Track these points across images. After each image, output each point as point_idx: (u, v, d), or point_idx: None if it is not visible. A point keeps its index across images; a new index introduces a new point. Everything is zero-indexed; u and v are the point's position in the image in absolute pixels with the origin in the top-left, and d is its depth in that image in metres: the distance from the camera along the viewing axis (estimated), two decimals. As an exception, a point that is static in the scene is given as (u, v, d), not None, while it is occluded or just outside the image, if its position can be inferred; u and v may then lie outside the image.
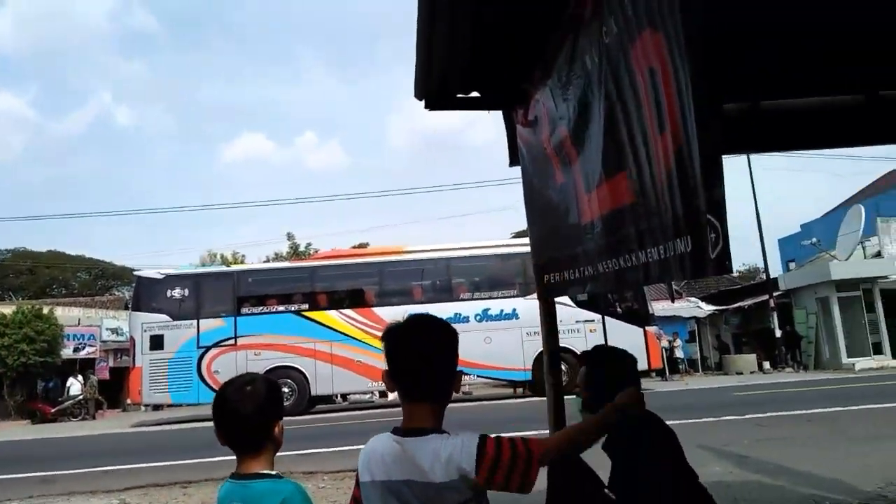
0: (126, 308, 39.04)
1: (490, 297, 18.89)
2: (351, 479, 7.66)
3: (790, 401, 13.34)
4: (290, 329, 18.52)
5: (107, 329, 29.95)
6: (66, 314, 29.69)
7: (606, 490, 2.67)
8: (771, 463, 6.82)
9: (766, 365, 26.64)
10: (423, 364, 1.76)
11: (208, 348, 18.28)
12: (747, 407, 12.22)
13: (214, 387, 17.69)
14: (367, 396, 22.54)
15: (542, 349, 15.13)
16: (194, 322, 18.37)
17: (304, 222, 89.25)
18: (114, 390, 28.07)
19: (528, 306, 16.95)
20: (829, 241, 26.59)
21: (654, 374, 21.83)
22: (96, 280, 55.57)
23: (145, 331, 18.30)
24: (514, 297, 18.61)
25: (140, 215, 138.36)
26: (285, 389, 18.14)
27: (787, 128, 4.07)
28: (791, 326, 26.87)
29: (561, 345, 15.45)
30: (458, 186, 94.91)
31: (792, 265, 32.77)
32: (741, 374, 25.67)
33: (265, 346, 18.39)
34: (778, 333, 26.44)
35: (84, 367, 27.76)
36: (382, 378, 1.83)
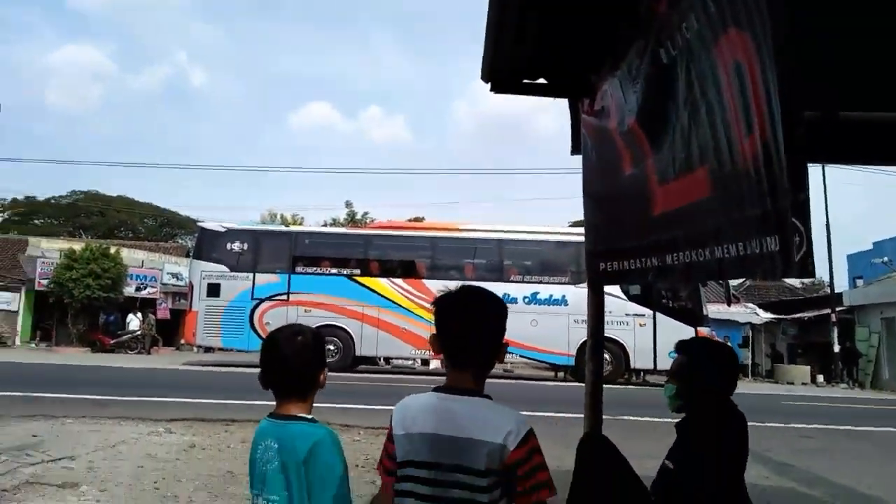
0: (187, 256, 40.43)
1: (540, 282, 19.03)
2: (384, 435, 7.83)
3: (839, 415, 13.00)
4: (340, 291, 19.24)
5: (168, 273, 31.12)
6: (131, 256, 30.96)
7: (666, 461, 2.72)
8: (811, 473, 6.72)
9: (820, 378, 25.90)
10: (471, 331, 1.80)
11: (261, 300, 19.16)
12: (793, 417, 11.96)
13: (264, 336, 18.73)
14: (410, 363, 22.98)
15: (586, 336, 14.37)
16: (250, 275, 19.26)
17: (363, 192, 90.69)
18: (170, 330, 29.26)
19: (578, 294, 16.95)
20: (902, 261, 25.49)
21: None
22: (161, 227, 57.73)
23: (204, 278, 19.31)
24: (564, 283, 18.69)
25: (207, 171, 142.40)
26: (331, 347, 18.88)
27: (865, 140, 3.96)
28: (851, 343, 25.99)
29: (607, 335, 15.23)
30: (517, 171, 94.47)
31: (859, 282, 31.58)
32: (792, 384, 25.03)
33: (315, 305, 19.14)
34: (836, 348, 25.62)
35: (144, 305, 29.10)
36: (430, 342, 1.87)
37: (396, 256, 20.17)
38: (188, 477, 5.45)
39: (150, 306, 29.49)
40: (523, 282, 18.94)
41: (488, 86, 3.72)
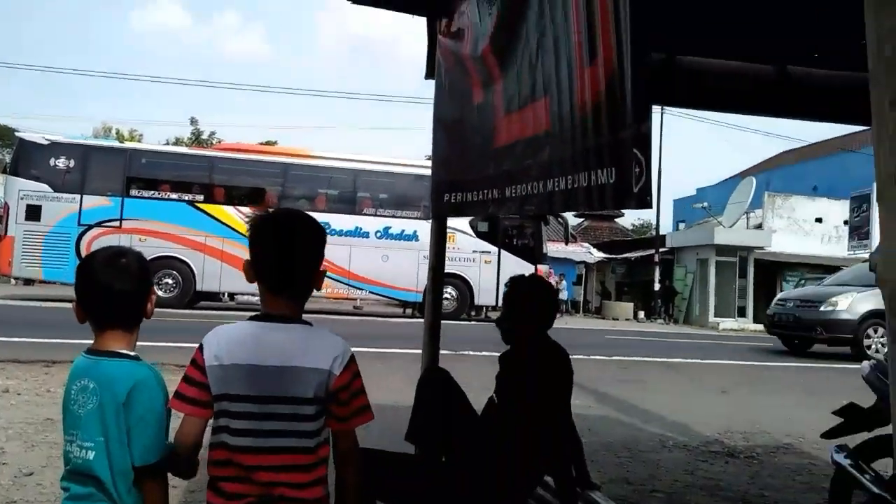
0: (4, 171, 36.18)
1: (393, 216, 18.64)
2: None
3: (656, 348, 14.31)
4: (180, 219, 17.63)
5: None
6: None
7: (493, 395, 2.76)
8: (627, 402, 7.32)
9: (642, 315, 28.36)
10: (289, 256, 1.73)
11: (90, 227, 17.13)
12: (616, 349, 12.99)
13: None
14: (257, 298, 22.13)
15: None
16: (77, 197, 17.10)
17: (212, 109, 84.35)
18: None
19: (429, 230, 16.97)
20: (719, 208, 28.17)
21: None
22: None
23: (22, 198, 16.94)
24: (416, 218, 18.37)
25: (31, 72, 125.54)
26: (168, 280, 17.54)
27: (702, 87, 4.15)
28: (670, 281, 28.55)
29: (454, 271, 15.66)
30: (374, 98, 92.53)
31: (682, 226, 34.55)
32: (617, 319, 27.21)
33: (152, 234, 17.38)
34: (657, 287, 28.06)
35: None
36: (244, 268, 1.78)
37: (244, 182, 18.75)
38: (0, 425, 4.92)
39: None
40: (376, 215, 18.49)
41: (349, -3, 3.45)
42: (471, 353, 9.99)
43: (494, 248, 18.95)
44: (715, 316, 26.12)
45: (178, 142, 37.32)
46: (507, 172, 2.58)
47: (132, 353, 1.74)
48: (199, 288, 18.06)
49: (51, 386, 6.45)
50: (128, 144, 21.55)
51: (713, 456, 5.22)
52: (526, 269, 18.24)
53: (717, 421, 6.44)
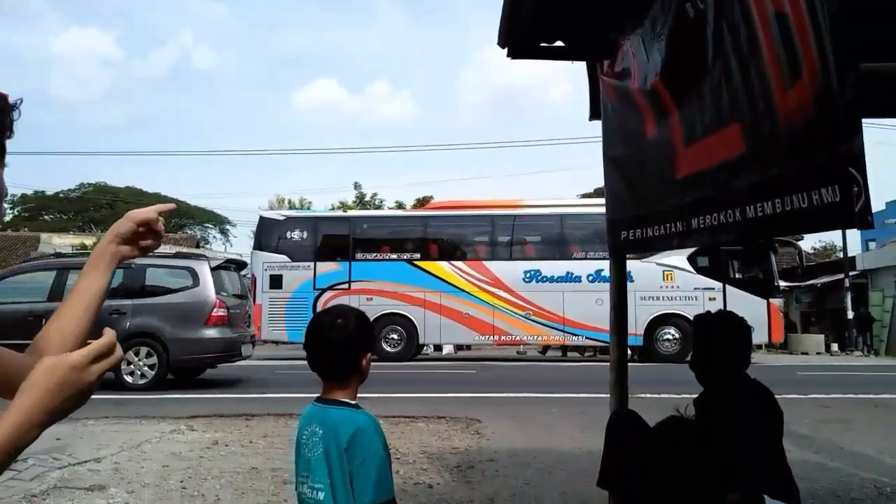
0: (197, 246, 40.57)
1: (604, 258, 18.10)
2: (406, 424, 7.93)
3: (857, 384, 12.89)
4: (401, 277, 18.69)
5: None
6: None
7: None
8: (832, 444, 6.64)
9: (835, 347, 25.78)
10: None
11: (323, 290, 18.74)
12: (811, 387, 11.86)
13: None
14: (458, 350, 22.67)
15: (655, 314, 14.63)
16: (311, 264, 18.84)
17: (371, 172, 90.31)
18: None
19: (644, 269, 16.51)
20: (916, 222, 25.27)
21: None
22: (170, 218, 57.47)
23: (266, 270, 18.91)
24: (630, 259, 17.77)
25: (213, 156, 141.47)
26: (394, 336, 18.64)
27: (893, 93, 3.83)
28: (865, 308, 25.83)
29: (676, 311, 15.22)
30: (525, 143, 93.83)
31: (872, 245, 31.33)
32: (806, 353, 24.92)
33: (377, 293, 18.65)
34: (850, 314, 25.45)
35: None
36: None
37: (456, 237, 19.56)
38: (213, 474, 5.42)
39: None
40: (586, 258, 18.01)
41: (504, 51, 3.59)
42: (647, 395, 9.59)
43: (718, 284, 17.56)
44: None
45: (342, 205, 39.82)
46: (693, 203, 2.51)
47: (353, 402, 1.97)
48: (421, 341, 18.99)
49: (252, 438, 7.00)
50: (351, 213, 23.53)
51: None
52: (756, 304, 17.12)
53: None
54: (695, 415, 2.65)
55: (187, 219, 56.93)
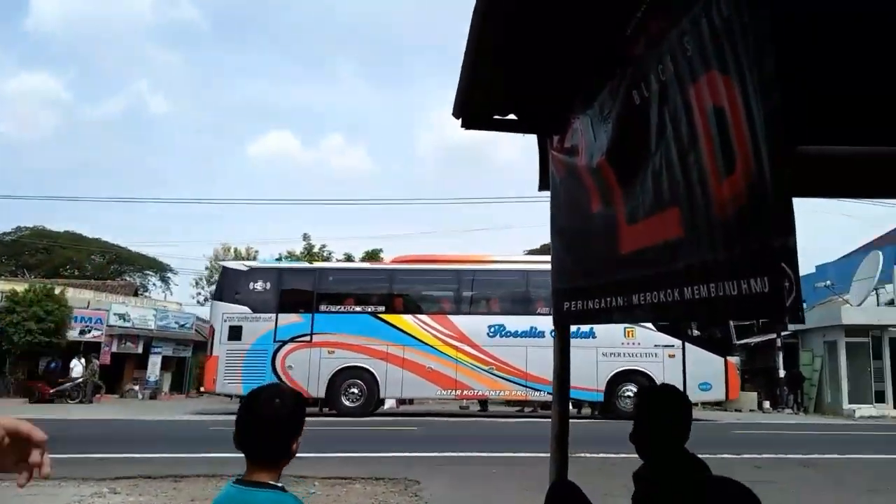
0: (135, 294, 39.37)
1: None
2: (342, 486, 7.73)
3: (789, 444, 13.28)
4: (364, 330, 18.65)
5: (114, 314, 30.16)
6: (77, 296, 29.96)
7: None
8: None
9: (767, 404, 26.49)
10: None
11: (284, 342, 18.51)
12: (744, 446, 12.16)
13: (287, 382, 18.16)
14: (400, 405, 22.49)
15: (616, 370, 15.12)
16: (273, 316, 18.58)
17: (321, 223, 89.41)
18: (113, 376, 28.15)
19: (607, 326, 16.45)
20: (844, 285, 26.47)
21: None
22: (109, 264, 55.71)
23: (225, 321, 18.62)
24: None
25: (160, 203, 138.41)
26: (354, 391, 18.44)
27: (826, 174, 4.06)
28: (796, 368, 26.72)
29: (637, 368, 15.84)
30: (472, 201, 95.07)
31: (804, 306, 32.60)
32: (740, 410, 25.51)
33: (339, 345, 18.55)
34: (782, 373, 26.29)
35: (88, 350, 27.95)
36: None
37: (421, 291, 19.66)
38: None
39: (93, 350, 28.37)
40: (550, 314, 18.29)
41: (459, 122, 3.70)
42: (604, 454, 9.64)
43: (678, 342, 18.20)
44: (849, 402, 24.05)
45: (290, 256, 39.39)
46: (635, 280, 2.60)
47: (279, 485, 1.88)
48: (382, 395, 18.87)
49: (180, 501, 6.71)
50: (317, 264, 23.45)
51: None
52: (714, 362, 18.01)
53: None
54: (635, 489, 2.69)
55: (127, 265, 55.17)
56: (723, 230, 1.96)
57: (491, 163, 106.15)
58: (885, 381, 24.32)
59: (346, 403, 18.18)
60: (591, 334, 17.83)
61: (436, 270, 19.57)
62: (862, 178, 3.88)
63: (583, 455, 9.71)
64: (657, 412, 2.64)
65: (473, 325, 18.36)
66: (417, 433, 14.53)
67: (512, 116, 3.77)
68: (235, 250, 43.97)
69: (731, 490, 2.41)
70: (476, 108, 3.60)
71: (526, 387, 18.27)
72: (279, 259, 35.94)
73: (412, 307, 19.04)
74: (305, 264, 23.42)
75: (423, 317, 18.67)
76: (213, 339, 18.72)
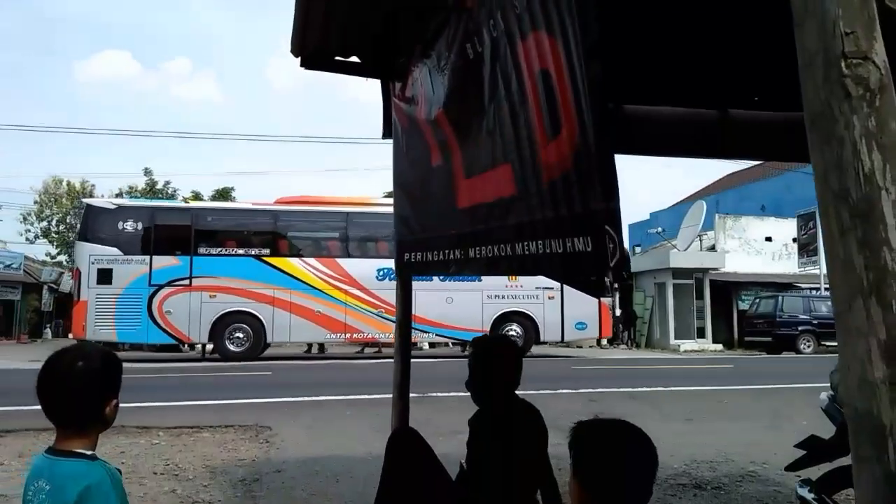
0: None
1: None
2: (188, 436, 7.49)
3: (621, 377, 14.45)
4: (249, 274, 17.97)
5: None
6: None
7: (462, 463, 2.76)
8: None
9: (604, 341, 28.63)
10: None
11: (161, 286, 17.49)
12: (583, 381, 13.08)
13: (166, 328, 17.45)
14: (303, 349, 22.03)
15: (500, 312, 15.29)
16: (147, 258, 17.44)
17: (165, 157, 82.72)
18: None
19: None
20: (673, 231, 28.80)
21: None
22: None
23: (93, 263, 17.26)
24: None
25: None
26: (239, 335, 17.89)
27: (648, 133, 4.31)
28: (630, 307, 28.96)
29: (520, 309, 16.14)
30: (327, 140, 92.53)
31: (638, 250, 35.22)
32: (581, 347, 27.40)
33: (221, 289, 17.83)
34: (618, 312, 28.41)
35: None
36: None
37: (308, 234, 19.01)
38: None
39: None
40: None
41: (298, 60, 3.52)
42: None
43: (557, 284, 18.74)
44: (676, 338, 26.51)
45: (132, 191, 36.75)
46: (471, 234, 2.63)
47: (89, 454, 1.72)
48: (269, 340, 18.36)
49: (3, 458, 6.21)
50: (193, 204, 21.64)
51: (681, 489, 5.29)
52: (590, 303, 18.89)
53: (685, 451, 6.51)
54: (469, 434, 2.79)
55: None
56: (550, 191, 1.99)
57: (353, 102, 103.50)
58: (706, 319, 27.06)
59: (232, 348, 17.75)
60: (478, 277, 18.24)
61: (323, 213, 19.10)
62: (680, 137, 4.17)
63: (445, 394, 10.06)
64: (488, 360, 2.73)
65: (362, 268, 18.27)
66: (271, 378, 14.34)
67: (355, 59, 3.65)
68: (69, 184, 40.29)
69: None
70: (315, 48, 3.45)
71: (414, 329, 18.41)
72: (119, 195, 33.48)
73: (299, 250, 18.63)
74: (182, 203, 21.96)
75: (311, 260, 18.32)
76: (79, 282, 17.40)
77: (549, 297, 19.32)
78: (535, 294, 19.22)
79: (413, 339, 19.19)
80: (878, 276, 0.87)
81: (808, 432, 3.62)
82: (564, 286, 18.73)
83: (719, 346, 26.41)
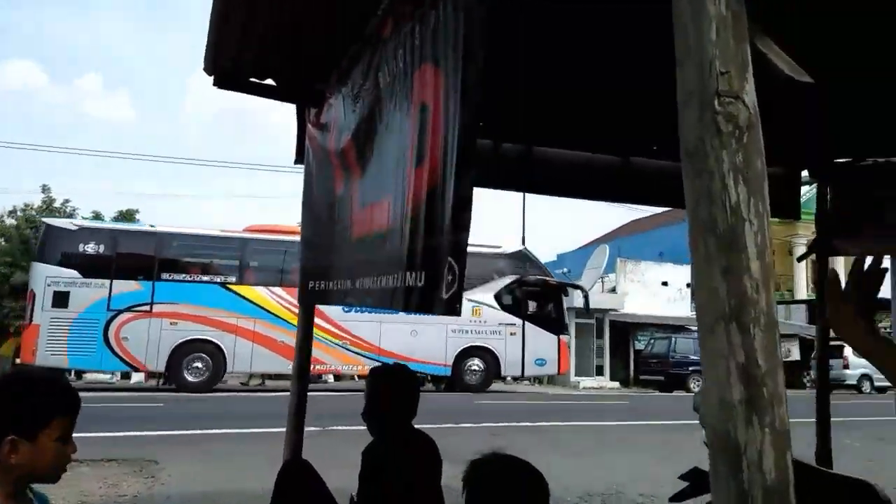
0: None
1: None
2: (68, 470, 6.99)
3: (523, 412, 14.64)
4: (212, 301, 17.27)
5: None
6: None
7: (353, 496, 2.69)
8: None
9: (509, 377, 28.96)
10: None
11: (119, 312, 16.49)
12: (484, 416, 13.17)
13: (122, 355, 16.41)
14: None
15: (463, 346, 15.15)
16: (107, 282, 16.41)
17: (64, 174, 77.62)
18: None
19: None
20: (578, 273, 29.71)
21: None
22: None
23: (49, 285, 16.11)
24: None
25: None
26: (198, 365, 17.09)
27: (555, 176, 4.46)
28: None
29: (482, 344, 17.46)
30: (241, 166, 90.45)
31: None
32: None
33: (183, 317, 17.05)
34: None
35: None
36: None
37: (275, 263, 18.26)
38: None
39: None
40: None
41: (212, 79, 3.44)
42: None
43: (519, 320, 19.44)
44: (576, 375, 27.17)
45: (27, 208, 34.38)
46: (358, 264, 2.64)
47: None
48: (230, 370, 17.70)
49: None
50: (158, 228, 20.29)
51: (574, 521, 5.39)
52: (549, 339, 19.69)
53: (579, 484, 6.66)
54: (361, 465, 2.75)
55: None
56: (412, 224, 1.97)
57: (270, 127, 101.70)
58: (605, 358, 27.98)
59: (189, 378, 16.97)
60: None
61: (290, 242, 18.48)
62: (584, 181, 4.34)
63: (348, 428, 9.88)
64: (384, 389, 2.71)
65: None
66: (163, 410, 13.65)
67: (270, 81, 3.61)
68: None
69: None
70: (228, 67, 3.39)
71: (378, 361, 18.11)
72: (12, 213, 31.43)
73: (264, 278, 18.10)
74: (147, 227, 20.82)
75: (277, 289, 17.82)
76: (32, 305, 16.26)
77: (511, 334, 19.65)
78: (497, 329, 19.54)
79: (316, 372, 19.13)
80: (739, 303, 0.93)
81: (693, 465, 3.77)
82: (526, 323, 19.73)
83: (616, 384, 27.30)
